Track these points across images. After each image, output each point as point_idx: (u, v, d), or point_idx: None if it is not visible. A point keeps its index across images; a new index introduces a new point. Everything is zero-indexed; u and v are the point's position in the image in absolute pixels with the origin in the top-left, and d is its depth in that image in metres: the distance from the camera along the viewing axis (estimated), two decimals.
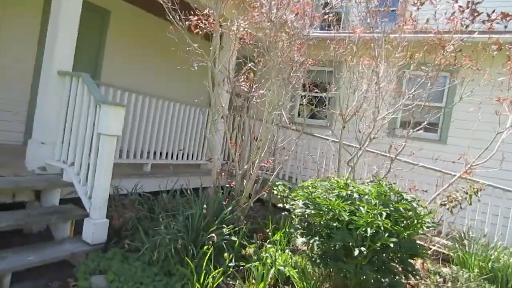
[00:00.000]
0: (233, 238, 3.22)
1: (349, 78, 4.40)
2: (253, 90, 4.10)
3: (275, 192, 4.04)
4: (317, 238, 2.80)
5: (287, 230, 3.59)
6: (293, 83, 4.61)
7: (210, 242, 2.98)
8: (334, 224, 2.67)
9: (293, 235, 3.24)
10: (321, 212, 2.69)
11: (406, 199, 2.77)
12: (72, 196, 3.73)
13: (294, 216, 3.17)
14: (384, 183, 3.03)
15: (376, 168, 4.39)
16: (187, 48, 3.97)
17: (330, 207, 2.68)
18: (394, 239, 2.42)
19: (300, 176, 5.39)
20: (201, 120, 5.83)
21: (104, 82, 5.35)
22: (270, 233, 3.68)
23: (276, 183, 4.29)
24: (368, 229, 2.41)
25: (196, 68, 4.24)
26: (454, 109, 5.74)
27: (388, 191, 2.82)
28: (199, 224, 3.18)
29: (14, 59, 5.18)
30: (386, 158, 4.47)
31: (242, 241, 3.29)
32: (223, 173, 4.24)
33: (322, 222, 2.78)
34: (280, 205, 4.11)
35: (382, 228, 2.45)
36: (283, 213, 3.98)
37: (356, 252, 2.42)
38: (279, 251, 3.29)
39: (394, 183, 3.17)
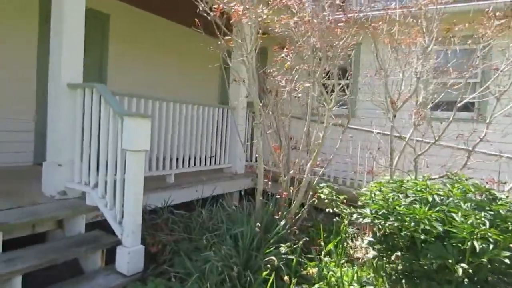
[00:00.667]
0: (290, 256, 2.83)
1: (391, 60, 3.93)
2: (291, 83, 3.66)
3: (322, 196, 3.65)
4: (398, 253, 2.42)
5: (344, 238, 3.22)
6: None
7: (268, 265, 2.59)
8: (422, 237, 2.27)
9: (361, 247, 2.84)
10: (405, 224, 2.30)
11: (501, 198, 2.37)
12: (97, 219, 3.37)
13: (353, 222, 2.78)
14: (465, 179, 2.64)
15: (440, 161, 3.88)
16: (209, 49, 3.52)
17: (417, 216, 2.28)
18: (507, 253, 2.03)
19: (343, 176, 4.95)
20: (221, 121, 5.43)
21: (113, 89, 4.95)
22: (322, 243, 3.29)
23: (320, 185, 3.89)
24: (475, 243, 2.02)
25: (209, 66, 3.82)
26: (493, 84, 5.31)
27: (472, 188, 2.43)
28: (250, 244, 2.80)
29: (13, 76, 4.79)
30: (452, 149, 3.96)
31: (299, 259, 2.91)
32: (268, 180, 3.80)
33: (403, 234, 2.39)
34: (328, 209, 3.72)
35: (491, 239, 2.06)
36: (334, 219, 3.61)
37: (460, 271, 2.03)
38: (339, 265, 2.90)
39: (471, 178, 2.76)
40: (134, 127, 2.76)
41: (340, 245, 3.45)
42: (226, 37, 3.68)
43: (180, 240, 3.12)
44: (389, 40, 3.58)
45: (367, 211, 2.62)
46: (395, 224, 2.38)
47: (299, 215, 3.38)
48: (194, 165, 4.95)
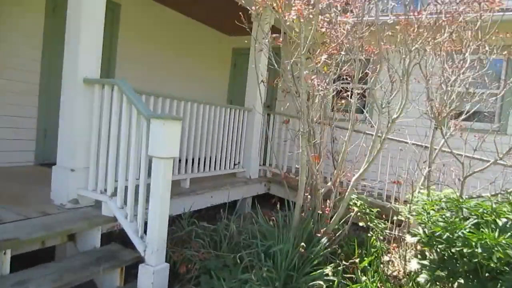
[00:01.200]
0: (332, 277, 2.54)
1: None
2: (325, 87, 3.34)
3: (355, 209, 3.35)
4: (462, 281, 2.15)
5: (378, 255, 2.94)
6: None
7: None
8: (492, 265, 2.01)
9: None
10: (476, 251, 2.02)
11: None
12: (113, 229, 3.05)
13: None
14: None
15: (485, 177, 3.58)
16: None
17: (487, 242, 2.01)
18: None
19: (369, 186, 4.64)
20: (237, 123, 5.11)
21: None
22: (357, 260, 3.00)
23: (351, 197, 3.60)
24: None
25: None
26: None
27: None
28: (290, 264, 2.50)
29: (14, 69, 4.40)
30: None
31: (341, 280, 2.61)
32: (308, 192, 3.44)
33: (469, 261, 2.12)
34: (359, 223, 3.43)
35: None
36: (369, 234, 3.32)
37: None
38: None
39: None
40: (163, 131, 2.43)
41: (374, 262, 3.17)
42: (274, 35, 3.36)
43: (206, 257, 2.80)
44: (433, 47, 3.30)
45: (419, 230, 2.35)
46: (464, 250, 2.10)
47: (340, 232, 3.07)
48: (209, 169, 4.62)
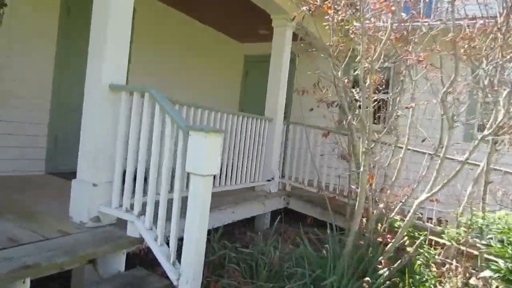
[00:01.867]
0: None
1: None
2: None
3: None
4: None
5: (430, 283, 2.66)
6: None
7: None
8: None
9: None
10: None
11: None
12: (138, 250, 2.77)
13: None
14: None
15: None
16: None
17: None
18: None
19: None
20: (258, 133, 4.85)
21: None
22: None
23: (394, 218, 3.31)
24: None
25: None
26: None
27: None
28: None
29: (26, 71, 4.14)
30: None
31: None
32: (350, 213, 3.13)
33: None
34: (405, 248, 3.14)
35: None
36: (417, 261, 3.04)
37: None
38: None
39: None
40: (204, 145, 2.16)
41: None
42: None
43: (242, 284, 2.51)
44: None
45: (500, 263, 2.09)
46: None
47: (400, 261, 2.75)
48: (230, 183, 4.35)
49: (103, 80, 2.64)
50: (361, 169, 2.70)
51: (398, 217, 3.29)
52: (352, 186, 3.53)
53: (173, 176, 2.41)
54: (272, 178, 5.13)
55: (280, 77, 5.06)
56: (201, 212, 2.24)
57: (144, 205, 2.54)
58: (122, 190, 2.69)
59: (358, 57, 2.89)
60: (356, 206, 2.78)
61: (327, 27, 3.50)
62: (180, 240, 2.33)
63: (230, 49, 7.54)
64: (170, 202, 2.38)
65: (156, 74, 5.80)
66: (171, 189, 2.43)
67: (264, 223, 5.14)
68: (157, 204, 2.45)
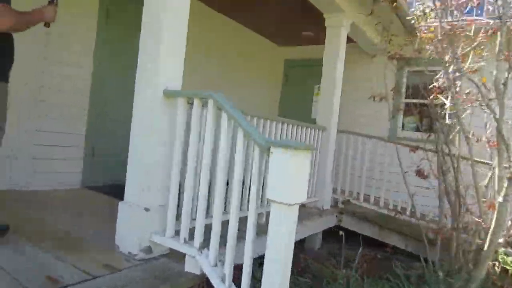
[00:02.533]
0: None
1: None
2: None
3: (509, 269, 2.51)
4: None
5: None
6: None
7: None
8: None
9: None
10: None
11: None
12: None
13: None
14: None
15: None
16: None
17: None
18: None
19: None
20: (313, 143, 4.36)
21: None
22: None
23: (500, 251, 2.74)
24: None
25: None
26: None
27: None
28: None
29: (63, 78, 3.82)
30: None
31: None
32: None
33: None
34: None
35: None
36: None
37: None
38: None
39: None
40: (291, 165, 1.70)
41: None
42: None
43: None
44: None
45: None
46: None
47: None
48: None
49: (156, 85, 2.24)
50: (500, 199, 2.15)
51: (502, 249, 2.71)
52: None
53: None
54: (327, 193, 4.62)
55: (335, 82, 4.56)
56: (286, 253, 1.77)
57: (208, 235, 2.10)
58: (178, 214, 2.26)
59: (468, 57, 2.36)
60: (486, 246, 2.22)
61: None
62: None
63: (269, 52, 7.11)
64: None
65: (196, 78, 5.42)
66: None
67: (316, 243, 4.63)
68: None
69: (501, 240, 2.46)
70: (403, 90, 6.05)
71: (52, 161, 3.79)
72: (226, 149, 2.06)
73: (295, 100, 7.12)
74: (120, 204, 2.36)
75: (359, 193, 4.84)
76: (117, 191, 4.03)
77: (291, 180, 1.71)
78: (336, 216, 4.88)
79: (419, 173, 3.34)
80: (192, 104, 2.24)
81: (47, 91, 3.67)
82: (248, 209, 1.92)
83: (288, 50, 7.25)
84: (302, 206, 4.50)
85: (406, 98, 6.04)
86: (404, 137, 5.87)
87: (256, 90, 6.76)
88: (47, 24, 2.29)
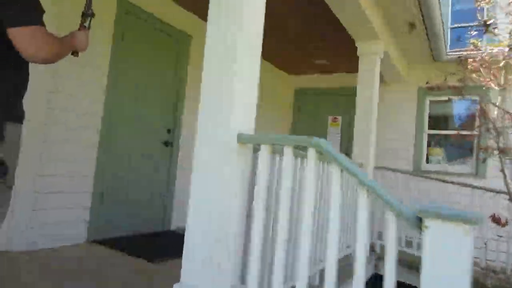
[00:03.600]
0: None
1: None
2: None
3: None
4: None
5: None
6: None
7: None
8: None
9: None
10: None
11: None
12: None
13: None
14: None
15: None
16: None
17: None
18: None
19: None
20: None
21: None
22: None
23: None
24: None
25: None
26: None
27: None
28: None
29: (71, 112, 3.24)
30: None
31: None
32: None
33: None
34: None
35: None
36: None
37: None
38: None
39: None
40: (464, 248, 1.20)
41: None
42: None
43: None
44: None
45: None
46: None
47: None
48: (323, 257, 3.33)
49: (228, 129, 1.72)
50: None
51: None
52: None
53: None
54: (365, 242, 4.11)
55: (371, 114, 4.17)
56: None
57: None
58: None
59: None
60: None
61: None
62: None
63: (279, 81, 6.73)
64: None
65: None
66: None
67: None
68: None
69: None
70: (426, 120, 5.78)
71: (55, 211, 3.14)
72: (335, 210, 1.55)
73: (307, 130, 6.69)
74: (175, 286, 1.77)
75: (400, 237, 4.36)
76: (130, 245, 3.39)
77: (462, 269, 1.20)
78: (374, 263, 4.37)
79: (495, 220, 2.91)
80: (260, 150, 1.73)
81: (52, 128, 3.07)
82: None
83: (299, 79, 6.91)
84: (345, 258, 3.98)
85: (430, 128, 5.77)
86: (430, 170, 5.53)
87: (267, 120, 6.30)
88: (75, 53, 1.74)
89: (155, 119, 4.10)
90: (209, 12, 1.81)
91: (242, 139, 1.73)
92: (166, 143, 4.23)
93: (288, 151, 1.67)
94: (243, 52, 1.76)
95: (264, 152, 1.71)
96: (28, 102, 1.52)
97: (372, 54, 4.17)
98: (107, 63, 3.48)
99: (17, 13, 1.34)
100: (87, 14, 1.72)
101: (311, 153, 1.60)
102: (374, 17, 3.76)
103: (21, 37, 1.34)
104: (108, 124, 3.53)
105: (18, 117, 1.50)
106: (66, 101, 3.16)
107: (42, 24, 1.42)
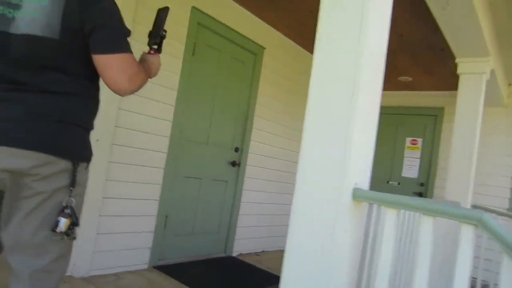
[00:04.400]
0: None
1: None
2: None
3: None
4: None
5: None
6: None
7: None
8: None
9: None
10: None
11: None
12: None
13: None
14: None
15: None
16: None
17: None
18: None
19: None
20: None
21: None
22: None
23: None
24: None
25: None
26: None
27: None
28: None
29: (137, 131, 3.04)
30: None
31: None
32: None
33: None
34: None
35: None
36: None
37: None
38: None
39: None
40: None
41: None
42: None
43: None
44: None
45: None
46: None
47: None
48: None
49: (340, 179, 1.31)
50: None
51: None
52: None
53: None
54: None
55: (473, 146, 3.52)
56: None
57: None
58: None
59: None
60: None
61: None
62: None
63: None
64: None
65: (282, 129, 4.57)
66: None
67: None
68: None
69: None
70: None
71: (119, 236, 2.94)
72: None
73: (380, 151, 6.07)
74: None
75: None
76: (193, 276, 3.10)
77: None
78: None
79: None
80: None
81: (118, 149, 2.88)
82: None
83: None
84: None
85: None
86: None
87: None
88: None
89: (223, 138, 3.82)
90: (320, 31, 1.42)
91: (359, 196, 1.32)
92: (234, 163, 3.93)
93: (426, 222, 1.21)
94: (365, 82, 1.35)
95: (391, 217, 1.28)
96: (97, 121, 1.27)
97: (478, 73, 3.53)
98: (177, 80, 3.25)
99: (108, 37, 1.12)
100: (160, 35, 1.42)
101: (467, 231, 1.13)
102: (486, 30, 3.15)
103: (112, 66, 1.13)
104: (175, 144, 3.29)
105: (89, 157, 1.25)
106: (133, 120, 2.96)
107: (130, 50, 1.17)
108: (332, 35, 1.37)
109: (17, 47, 1.07)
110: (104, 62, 1.12)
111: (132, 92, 1.22)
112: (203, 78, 3.52)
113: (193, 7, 3.30)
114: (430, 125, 5.57)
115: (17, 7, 1.07)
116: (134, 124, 2.96)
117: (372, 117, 1.43)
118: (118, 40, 1.15)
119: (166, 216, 3.28)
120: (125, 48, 1.16)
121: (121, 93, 1.20)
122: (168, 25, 1.45)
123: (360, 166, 1.37)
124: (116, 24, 1.15)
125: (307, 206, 1.36)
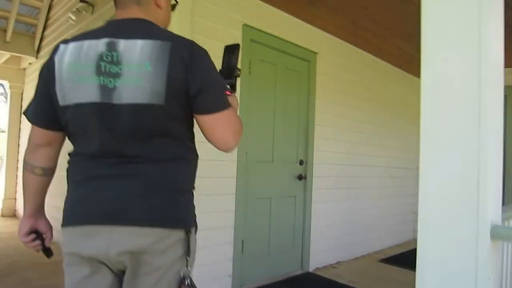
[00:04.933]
0: None
1: None
2: None
3: None
4: None
5: None
6: None
7: None
8: None
9: None
10: None
11: None
12: None
13: None
14: None
15: None
16: None
17: None
18: None
19: None
20: None
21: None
22: None
23: None
24: None
25: None
26: None
27: None
28: None
29: (211, 160, 2.97)
30: None
31: None
32: None
33: None
34: None
35: None
36: None
37: None
38: None
39: None
40: None
41: None
42: None
43: None
44: None
45: None
46: None
47: None
48: None
49: (476, 217, 1.13)
50: None
51: None
52: None
53: None
54: None
55: None
56: None
57: None
58: None
59: None
60: None
61: None
62: None
63: (409, 88, 5.79)
64: None
65: (344, 136, 4.37)
66: None
67: None
68: None
69: None
70: None
71: (199, 269, 2.91)
72: None
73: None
74: None
75: None
76: None
77: None
78: None
79: None
80: None
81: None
82: None
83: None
84: None
85: None
86: None
87: (403, 137, 5.47)
88: None
89: (287, 152, 3.70)
90: (424, 39, 1.24)
91: (498, 235, 1.13)
92: (300, 177, 3.79)
93: None
94: (490, 98, 1.15)
95: None
96: None
97: None
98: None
99: (215, 97, 1.07)
100: (235, 75, 1.33)
101: None
102: None
103: (220, 124, 1.08)
104: (242, 167, 3.22)
105: (196, 219, 1.20)
106: (200, 150, 2.92)
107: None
108: (443, 53, 1.19)
109: (123, 118, 1.02)
110: (213, 121, 1.07)
111: (236, 145, 1.15)
112: (261, 95, 3.43)
113: (244, 25, 3.22)
114: None
115: (117, 75, 1.01)
116: (202, 154, 2.92)
117: (498, 144, 1.22)
118: (222, 97, 1.09)
119: (243, 241, 3.22)
120: (228, 104, 1.10)
121: (228, 150, 1.14)
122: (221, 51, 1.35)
123: (495, 197, 1.18)
124: (219, 81, 1.11)
125: (439, 250, 1.19)
